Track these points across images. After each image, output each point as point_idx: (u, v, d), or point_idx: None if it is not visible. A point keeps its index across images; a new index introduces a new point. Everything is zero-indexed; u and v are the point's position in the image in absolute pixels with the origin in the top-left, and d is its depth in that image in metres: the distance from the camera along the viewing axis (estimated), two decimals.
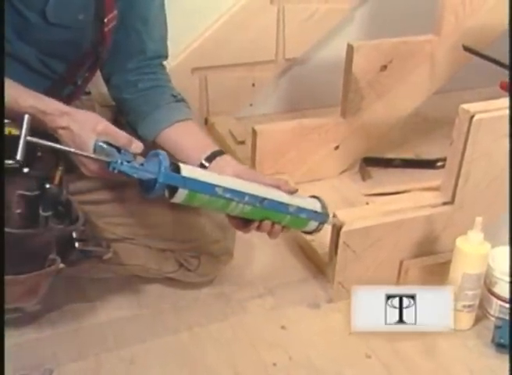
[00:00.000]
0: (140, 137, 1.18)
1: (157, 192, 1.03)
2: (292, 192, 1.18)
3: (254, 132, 1.66)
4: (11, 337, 1.18)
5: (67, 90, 1.27)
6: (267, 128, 1.68)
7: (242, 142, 1.88)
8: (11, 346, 1.16)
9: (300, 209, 1.18)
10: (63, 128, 1.04)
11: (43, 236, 1.06)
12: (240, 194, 1.10)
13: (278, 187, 1.17)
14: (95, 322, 1.26)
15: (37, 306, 1.16)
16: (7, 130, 1.02)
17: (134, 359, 1.18)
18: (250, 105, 2.10)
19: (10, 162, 0.97)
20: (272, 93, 2.14)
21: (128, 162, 1.02)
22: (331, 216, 1.25)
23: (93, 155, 1.03)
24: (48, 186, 1.04)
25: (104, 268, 1.24)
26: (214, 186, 1.07)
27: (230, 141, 1.91)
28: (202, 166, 1.18)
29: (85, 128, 1.04)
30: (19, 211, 1.03)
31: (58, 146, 1.01)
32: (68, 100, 1.24)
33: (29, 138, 0.97)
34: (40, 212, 1.04)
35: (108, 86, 1.34)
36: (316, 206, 1.22)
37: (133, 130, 1.27)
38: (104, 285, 1.32)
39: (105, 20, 1.19)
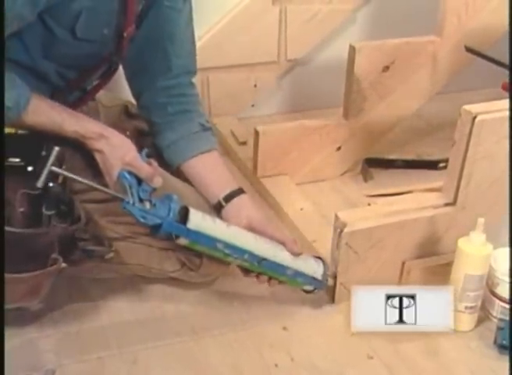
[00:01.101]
0: (164, 162, 1.29)
1: (161, 235, 1.13)
2: (295, 254, 1.22)
3: (256, 133, 1.66)
4: (12, 337, 1.17)
5: (74, 95, 1.28)
6: (269, 129, 1.68)
7: (244, 143, 1.88)
8: (12, 345, 1.16)
9: (298, 273, 1.23)
10: (98, 151, 1.15)
11: (46, 235, 1.06)
12: (240, 252, 1.17)
13: (283, 244, 1.22)
14: (97, 322, 1.26)
15: (40, 305, 1.16)
16: (13, 130, 1.04)
17: (137, 361, 1.18)
18: (252, 105, 2.10)
19: (16, 160, 0.99)
20: (274, 94, 2.14)
21: (141, 200, 1.10)
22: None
23: (110, 191, 1.12)
24: (51, 185, 1.04)
25: (106, 267, 1.23)
26: (215, 241, 1.15)
27: (232, 141, 1.91)
28: (220, 204, 1.26)
29: (115, 155, 1.14)
30: (22, 209, 1.04)
31: (79, 179, 1.08)
32: (75, 105, 1.25)
33: (53, 168, 1.03)
34: (43, 210, 1.05)
35: (138, 105, 1.38)
36: (317, 271, 1.25)
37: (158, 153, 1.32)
38: (106, 285, 1.32)
39: (125, 34, 1.22)
